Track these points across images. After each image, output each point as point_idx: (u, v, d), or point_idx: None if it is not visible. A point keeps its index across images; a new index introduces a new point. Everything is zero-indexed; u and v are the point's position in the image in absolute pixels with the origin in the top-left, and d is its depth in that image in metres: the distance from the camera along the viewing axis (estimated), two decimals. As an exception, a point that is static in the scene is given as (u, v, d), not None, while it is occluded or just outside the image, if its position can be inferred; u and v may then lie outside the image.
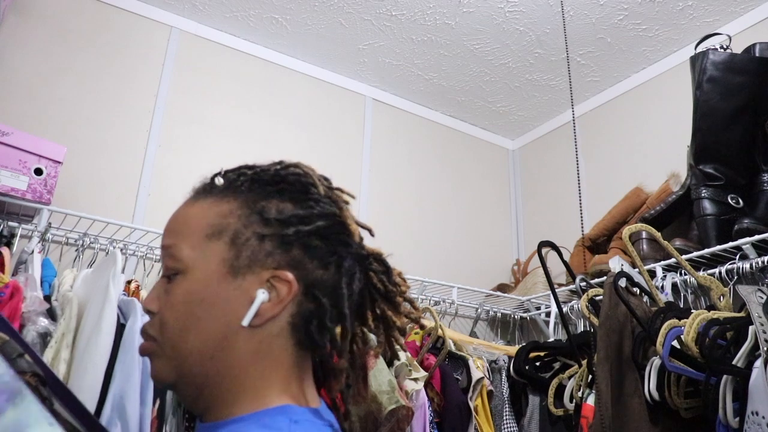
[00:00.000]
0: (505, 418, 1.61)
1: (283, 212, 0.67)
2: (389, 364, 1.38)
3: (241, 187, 0.69)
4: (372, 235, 0.74)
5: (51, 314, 1.15)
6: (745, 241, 1.40)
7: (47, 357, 1.06)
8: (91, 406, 1.02)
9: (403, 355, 1.44)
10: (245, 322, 0.63)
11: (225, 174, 0.70)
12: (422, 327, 1.63)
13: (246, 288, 0.64)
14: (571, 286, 1.92)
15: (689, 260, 1.46)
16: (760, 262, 1.37)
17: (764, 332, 0.98)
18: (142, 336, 0.67)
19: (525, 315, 2.17)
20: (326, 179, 0.73)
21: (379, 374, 1.32)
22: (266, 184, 0.69)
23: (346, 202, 0.72)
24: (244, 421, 0.62)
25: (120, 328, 1.12)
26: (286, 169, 0.70)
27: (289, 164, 0.71)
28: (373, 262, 0.72)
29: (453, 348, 1.65)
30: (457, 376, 1.58)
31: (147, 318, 0.70)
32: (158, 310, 0.66)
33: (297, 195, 0.69)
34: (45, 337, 1.09)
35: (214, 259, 0.65)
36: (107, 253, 1.54)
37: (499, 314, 2.20)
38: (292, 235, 0.66)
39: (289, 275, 0.65)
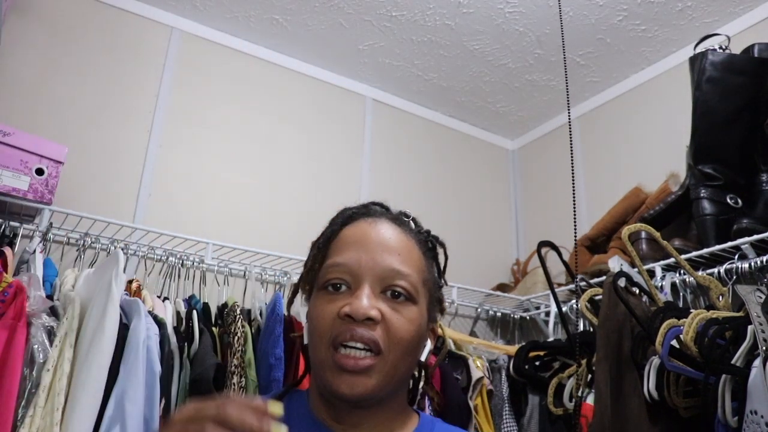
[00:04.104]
0: (504, 417, 1.61)
1: (439, 279, 0.87)
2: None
3: (425, 242, 0.85)
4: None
5: (54, 313, 1.16)
6: (743, 241, 1.41)
7: (53, 356, 1.06)
8: (95, 405, 1.02)
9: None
10: (423, 358, 0.82)
11: (409, 216, 0.88)
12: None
13: (428, 333, 0.81)
14: (571, 286, 1.92)
15: (688, 260, 1.46)
16: (758, 262, 1.37)
17: (763, 332, 0.99)
18: (359, 341, 0.71)
19: (525, 314, 2.18)
20: None
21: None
22: (431, 249, 0.87)
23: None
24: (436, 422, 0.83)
25: (122, 328, 1.12)
26: (437, 241, 0.89)
27: (439, 238, 0.90)
28: None
29: (453, 347, 1.65)
30: (457, 376, 1.58)
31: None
32: (381, 320, 0.73)
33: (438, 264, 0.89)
34: (50, 336, 1.09)
35: (424, 302, 0.79)
36: (108, 252, 1.54)
37: (498, 314, 2.21)
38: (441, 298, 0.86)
39: (437, 330, 0.87)
